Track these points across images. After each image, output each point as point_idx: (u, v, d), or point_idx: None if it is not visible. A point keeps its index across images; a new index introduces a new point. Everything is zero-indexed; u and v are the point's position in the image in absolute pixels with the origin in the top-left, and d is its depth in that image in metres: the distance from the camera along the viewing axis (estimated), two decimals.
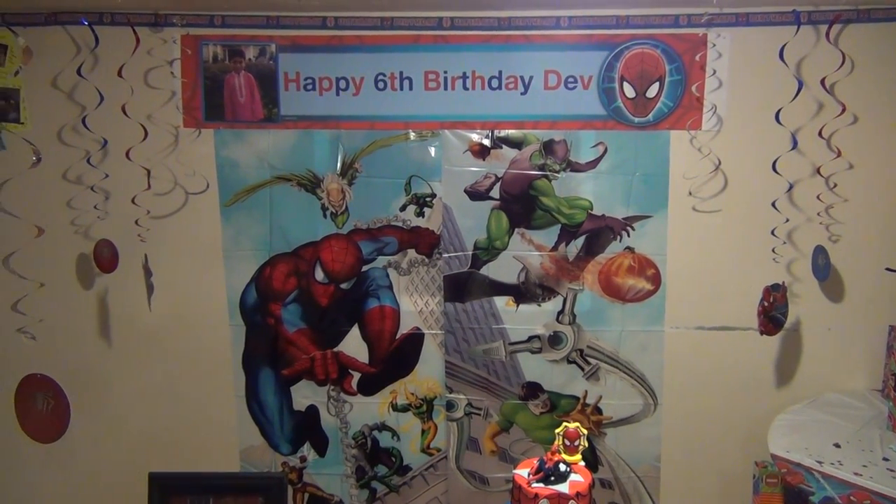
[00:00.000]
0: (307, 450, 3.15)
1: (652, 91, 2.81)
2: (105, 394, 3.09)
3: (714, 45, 2.76)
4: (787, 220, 2.81)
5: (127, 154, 2.84)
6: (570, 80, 2.83)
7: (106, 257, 2.87)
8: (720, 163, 2.83)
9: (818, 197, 2.79)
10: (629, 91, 2.82)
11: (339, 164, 2.93)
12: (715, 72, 2.78)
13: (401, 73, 2.86)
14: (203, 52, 2.85)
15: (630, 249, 2.94)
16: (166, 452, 3.08)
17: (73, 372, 3.02)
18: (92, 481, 3.14)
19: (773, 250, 2.84)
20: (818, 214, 2.82)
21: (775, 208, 2.80)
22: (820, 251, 2.79)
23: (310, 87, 2.88)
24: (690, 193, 2.88)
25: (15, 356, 2.98)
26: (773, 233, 2.82)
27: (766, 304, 2.72)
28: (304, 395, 3.11)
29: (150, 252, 2.96)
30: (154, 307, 2.98)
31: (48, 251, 2.90)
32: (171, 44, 2.83)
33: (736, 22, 2.74)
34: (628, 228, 2.92)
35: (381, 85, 2.87)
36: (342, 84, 2.87)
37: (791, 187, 2.78)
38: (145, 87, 2.85)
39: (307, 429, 3.13)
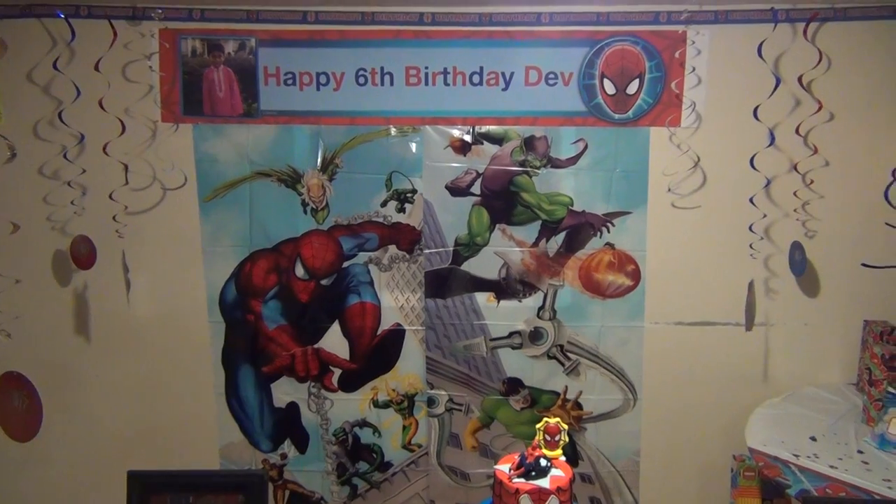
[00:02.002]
0: (288, 447, 3.14)
1: (632, 88, 2.83)
2: (83, 391, 3.05)
3: (693, 43, 2.78)
4: (765, 216, 2.85)
5: (104, 149, 2.81)
6: (551, 76, 2.84)
7: (83, 254, 2.84)
8: (699, 159, 2.86)
9: (795, 193, 2.83)
10: (609, 88, 2.83)
11: (319, 160, 2.92)
12: (694, 69, 2.80)
13: (381, 68, 2.85)
14: (181, 46, 2.82)
15: (610, 245, 2.95)
16: (145, 450, 3.06)
17: (50, 369, 2.99)
18: (71, 480, 3.11)
19: (750, 246, 2.87)
20: (795, 210, 2.85)
21: (753, 204, 2.83)
22: (796, 247, 2.83)
23: (290, 81, 2.86)
24: (670, 189, 2.90)
25: None
26: (750, 228, 2.85)
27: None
28: (285, 391, 3.09)
29: (129, 248, 2.94)
30: (133, 304, 2.97)
31: (24, 247, 2.87)
32: (148, 38, 2.80)
33: (715, 19, 2.76)
34: (608, 224, 2.94)
35: (361, 80, 2.86)
36: (322, 79, 2.86)
37: (768, 183, 2.82)
38: (123, 81, 2.82)
39: (288, 426, 3.12)
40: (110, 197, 2.86)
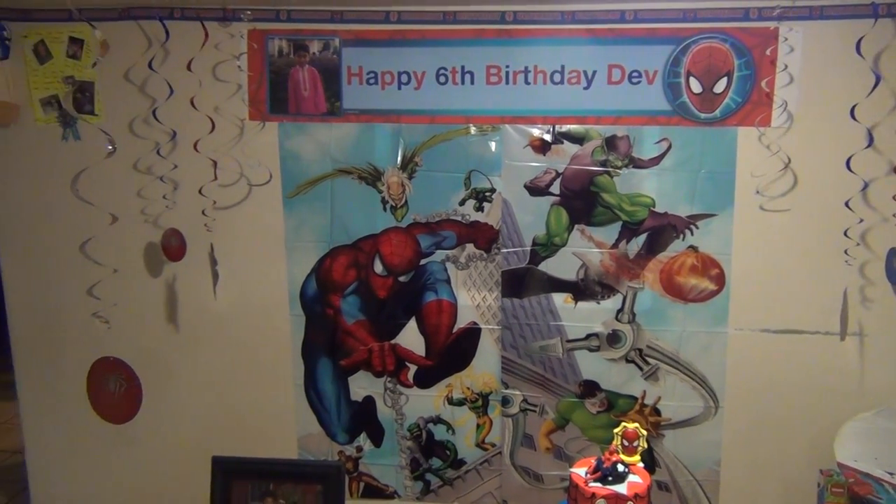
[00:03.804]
0: (363, 440, 3.19)
1: (719, 86, 2.74)
2: (172, 378, 3.18)
3: (786, 40, 2.67)
4: (861, 221, 2.71)
5: (195, 146, 2.91)
6: (635, 74, 2.78)
7: (174, 246, 2.96)
8: (790, 160, 2.74)
9: (894, 197, 2.68)
10: (696, 86, 2.76)
11: (399, 158, 2.95)
12: (786, 66, 2.69)
13: (462, 67, 2.85)
14: (269, 46, 2.90)
15: (693, 248, 2.87)
16: (228, 437, 3.15)
17: (142, 356, 3.13)
18: (158, 462, 3.24)
19: (845, 252, 2.74)
20: (894, 216, 2.70)
21: (848, 208, 2.70)
22: (895, 254, 2.68)
23: (372, 81, 2.90)
24: (758, 192, 2.79)
25: (89, 339, 3.11)
26: (845, 234, 2.72)
27: None
28: (361, 385, 3.14)
29: (216, 242, 3.03)
30: (219, 296, 3.06)
31: (120, 239, 3.01)
32: (238, 38, 2.88)
33: (809, 15, 2.65)
34: (692, 227, 2.86)
35: (442, 79, 2.87)
36: (404, 78, 2.88)
37: (866, 186, 2.68)
38: (213, 80, 2.91)
39: (364, 419, 3.17)
40: (200, 192, 2.97)
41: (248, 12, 2.84)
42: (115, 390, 3.13)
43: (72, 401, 3.16)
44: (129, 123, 2.96)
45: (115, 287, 3.03)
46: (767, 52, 2.69)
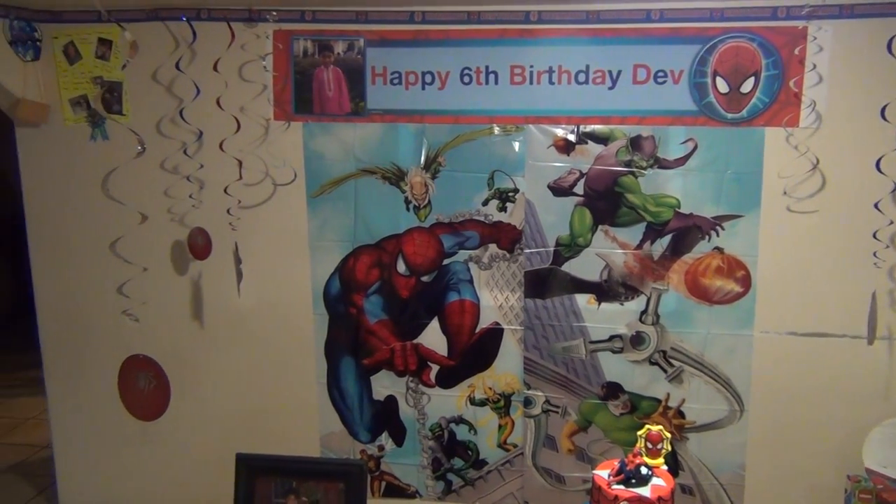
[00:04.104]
0: (385, 439, 3.20)
1: (746, 86, 2.71)
2: (197, 376, 3.21)
3: (815, 39, 2.63)
4: (891, 223, 2.67)
5: (221, 145, 2.94)
6: (660, 74, 2.76)
7: (200, 245, 2.99)
8: (818, 161, 2.71)
9: None
10: (722, 86, 2.73)
11: (422, 158, 2.95)
12: (815, 66, 2.65)
13: (486, 67, 2.85)
14: (294, 46, 2.92)
15: (719, 250, 2.84)
16: (251, 434, 3.18)
17: (169, 354, 3.16)
18: (182, 458, 3.28)
19: (874, 254, 2.70)
20: None
21: (878, 210, 2.66)
22: None
23: (396, 81, 2.90)
24: (785, 193, 2.76)
25: (119, 337, 3.15)
26: (874, 236, 2.68)
27: None
28: (384, 384, 3.15)
29: (240, 240, 3.05)
30: (243, 294, 3.09)
31: (149, 237, 3.04)
32: (263, 39, 2.90)
33: (839, 14, 2.61)
34: (718, 228, 2.83)
35: (466, 79, 2.87)
36: (428, 78, 2.88)
37: None
38: (239, 80, 2.93)
39: (386, 418, 3.18)
40: (225, 191, 2.99)
41: (274, 13, 2.86)
42: (144, 388, 3.17)
43: (99, 397, 3.21)
44: (156, 123, 3.00)
45: (144, 285, 3.07)
46: (796, 52, 2.66)
